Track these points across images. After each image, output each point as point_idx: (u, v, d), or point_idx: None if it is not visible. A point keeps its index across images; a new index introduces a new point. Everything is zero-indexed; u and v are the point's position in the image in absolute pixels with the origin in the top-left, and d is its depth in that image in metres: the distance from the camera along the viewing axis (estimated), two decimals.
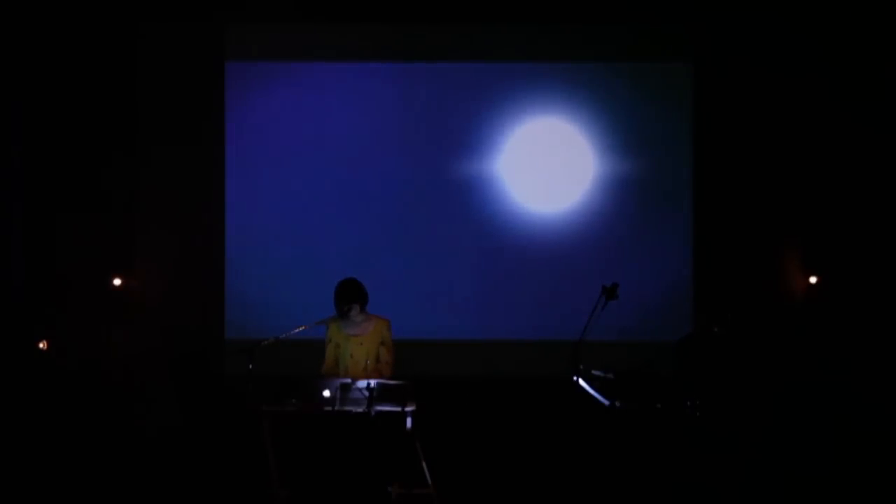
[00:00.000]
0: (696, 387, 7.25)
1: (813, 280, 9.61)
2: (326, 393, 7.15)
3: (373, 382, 7.16)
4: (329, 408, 7.14)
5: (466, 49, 9.90)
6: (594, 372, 7.31)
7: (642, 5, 9.80)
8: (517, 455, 8.88)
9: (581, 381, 7.26)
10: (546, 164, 9.91)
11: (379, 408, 7.12)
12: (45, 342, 9.43)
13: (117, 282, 9.63)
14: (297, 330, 7.50)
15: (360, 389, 7.13)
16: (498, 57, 9.89)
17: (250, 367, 7.28)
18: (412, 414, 7.22)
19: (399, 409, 7.17)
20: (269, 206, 9.89)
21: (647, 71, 9.88)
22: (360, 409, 7.13)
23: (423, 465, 7.28)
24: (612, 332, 8.03)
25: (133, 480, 8.52)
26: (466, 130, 9.90)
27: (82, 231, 9.55)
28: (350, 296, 7.57)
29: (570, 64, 9.90)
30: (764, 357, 8.88)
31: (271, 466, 7.21)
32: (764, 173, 9.67)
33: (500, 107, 9.90)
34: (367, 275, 9.21)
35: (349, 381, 7.21)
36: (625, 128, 9.90)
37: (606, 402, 7.26)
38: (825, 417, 8.98)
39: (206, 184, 9.83)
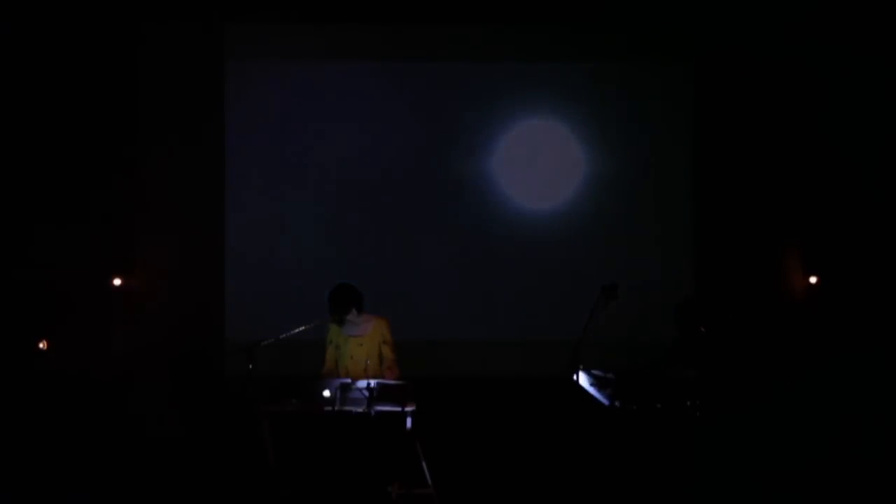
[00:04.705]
0: (697, 387, 7.25)
1: (813, 280, 9.61)
2: (326, 393, 7.15)
3: (373, 382, 7.16)
4: (329, 408, 7.14)
5: (467, 49, 9.90)
6: (594, 372, 7.32)
7: (643, 5, 9.80)
8: (517, 455, 8.88)
9: (581, 381, 7.27)
10: (547, 164, 9.91)
11: (379, 408, 7.12)
12: (45, 342, 9.43)
13: (117, 282, 9.63)
14: (297, 330, 7.50)
15: (360, 389, 7.13)
16: (499, 57, 9.89)
17: (250, 367, 7.28)
18: (412, 414, 7.22)
19: (399, 409, 7.17)
20: (268, 206, 9.89)
21: (647, 71, 9.89)
22: (360, 409, 7.13)
23: (423, 465, 7.28)
24: (612, 332, 8.03)
25: (133, 480, 8.52)
26: (466, 130, 9.90)
27: (83, 231, 9.55)
28: (343, 304, 7.53)
29: (571, 64, 9.90)
30: (763, 357, 8.90)
31: (272, 466, 7.21)
32: (764, 173, 9.68)
33: (501, 107, 9.90)
34: (367, 275, 9.25)
35: (349, 381, 7.21)
36: (625, 128, 9.90)
37: (606, 402, 7.26)
38: (825, 417, 8.98)
39: (206, 184, 9.83)
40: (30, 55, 9.52)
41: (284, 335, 7.50)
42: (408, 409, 7.20)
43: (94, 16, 9.62)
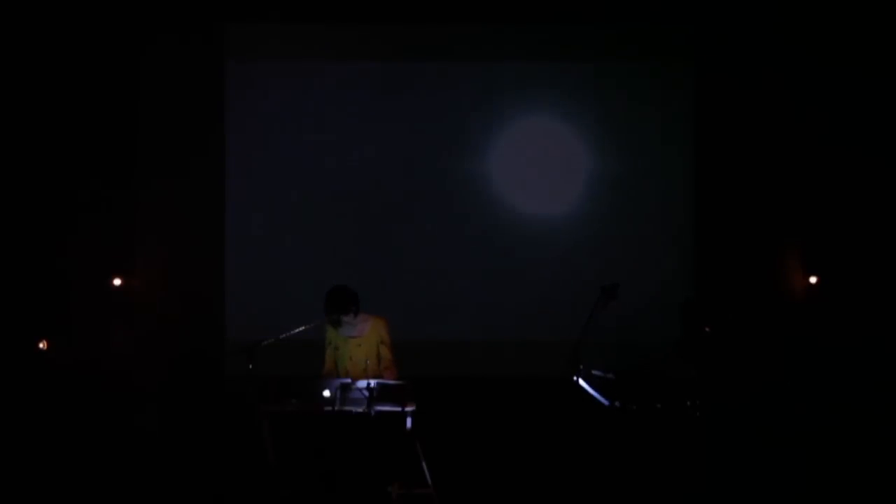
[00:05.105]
0: (697, 387, 7.26)
1: (813, 280, 9.61)
2: (326, 393, 7.15)
3: (373, 382, 7.16)
4: (329, 408, 7.14)
5: (466, 49, 9.89)
6: (594, 372, 7.31)
7: (644, 6, 9.80)
8: (517, 455, 8.88)
9: (581, 381, 7.27)
10: (547, 164, 9.91)
11: (379, 408, 7.13)
12: (45, 342, 9.43)
13: (117, 282, 9.63)
14: (297, 330, 7.50)
15: (360, 389, 7.13)
16: (498, 57, 9.88)
17: (250, 367, 7.28)
18: (412, 414, 7.22)
19: (399, 409, 7.17)
20: (268, 206, 9.88)
21: (647, 71, 9.88)
22: (360, 409, 7.13)
23: (423, 465, 7.28)
24: (612, 332, 8.02)
25: (133, 480, 8.52)
26: (466, 130, 9.89)
27: (83, 231, 9.55)
28: (338, 306, 7.51)
29: (571, 64, 9.90)
30: (764, 357, 8.90)
31: (272, 466, 7.21)
32: (764, 173, 9.67)
33: (501, 107, 9.89)
34: (367, 274, 9.27)
35: (349, 380, 7.21)
36: (625, 128, 9.89)
37: (606, 402, 7.26)
38: (825, 417, 8.98)
39: (206, 183, 9.82)
40: (30, 55, 9.52)
41: (284, 335, 7.50)
42: (408, 409, 7.20)
43: (95, 17, 9.62)
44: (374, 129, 9.89)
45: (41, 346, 9.42)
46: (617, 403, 7.24)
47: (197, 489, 8.39)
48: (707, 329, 7.54)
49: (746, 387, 7.59)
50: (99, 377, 9.42)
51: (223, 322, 9.82)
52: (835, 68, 9.54)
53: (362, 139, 9.88)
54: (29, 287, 9.47)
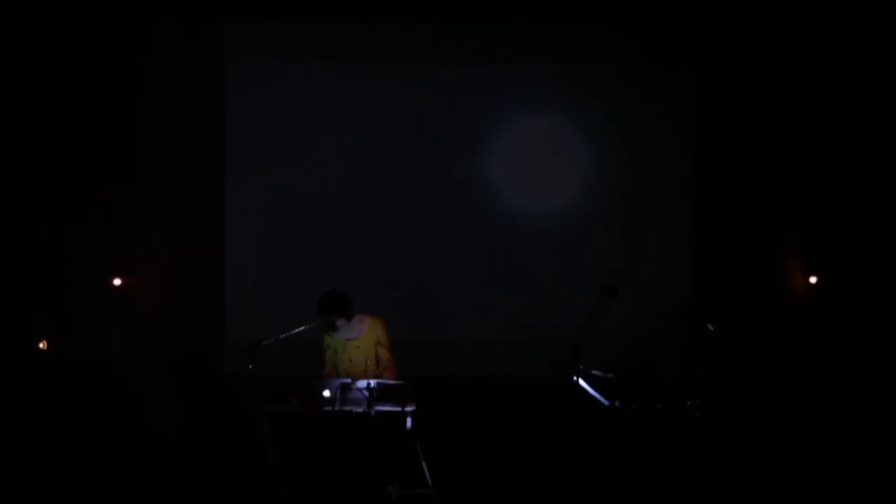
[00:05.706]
0: (697, 387, 7.26)
1: (813, 280, 9.61)
2: (326, 393, 7.15)
3: (373, 382, 7.16)
4: (329, 408, 7.15)
5: (467, 50, 9.89)
6: (594, 372, 7.32)
7: (643, 5, 9.80)
8: (517, 455, 8.88)
9: (581, 381, 7.27)
10: (547, 165, 9.91)
11: (379, 408, 7.13)
12: (45, 342, 9.43)
13: (117, 282, 9.63)
14: (297, 330, 7.50)
15: (360, 389, 7.14)
16: (498, 58, 9.88)
17: (250, 367, 7.28)
18: (412, 414, 7.22)
19: (399, 409, 7.17)
20: (269, 206, 9.88)
21: (647, 71, 9.88)
22: (360, 409, 7.13)
23: (423, 465, 7.29)
24: (612, 332, 8.02)
25: (133, 480, 8.52)
26: (466, 131, 9.89)
27: (83, 231, 9.56)
28: (330, 311, 7.50)
29: (571, 64, 9.90)
30: (764, 356, 8.90)
31: (272, 466, 7.21)
32: (764, 173, 9.67)
33: (501, 107, 9.89)
34: (367, 274, 9.28)
35: (349, 380, 7.21)
36: (626, 128, 9.90)
37: (606, 402, 7.26)
38: (825, 417, 8.98)
39: (206, 183, 9.83)
40: (33, 57, 9.52)
41: (284, 335, 7.50)
42: (408, 409, 7.20)
43: (97, 19, 9.62)
44: (374, 130, 9.89)
45: (41, 346, 9.42)
46: (617, 403, 7.24)
47: (197, 489, 8.39)
48: (711, 327, 7.53)
49: (746, 387, 7.59)
50: (99, 377, 9.42)
51: (223, 322, 9.82)
52: (835, 69, 9.53)
53: (362, 140, 9.88)
54: (29, 287, 9.47)
